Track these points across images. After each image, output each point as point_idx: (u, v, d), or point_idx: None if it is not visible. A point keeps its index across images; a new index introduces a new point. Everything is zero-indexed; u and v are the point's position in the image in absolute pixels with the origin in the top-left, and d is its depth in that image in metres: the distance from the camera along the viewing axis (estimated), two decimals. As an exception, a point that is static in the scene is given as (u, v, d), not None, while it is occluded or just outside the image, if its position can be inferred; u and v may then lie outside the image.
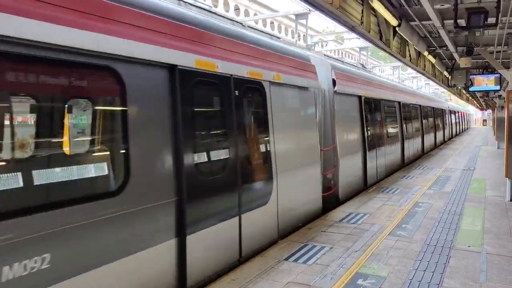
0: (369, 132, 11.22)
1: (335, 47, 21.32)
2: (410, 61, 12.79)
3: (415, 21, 9.48)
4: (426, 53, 12.78)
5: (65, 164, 4.02)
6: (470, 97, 36.63)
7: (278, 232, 6.41)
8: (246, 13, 17.71)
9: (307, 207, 7.49)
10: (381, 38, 9.32)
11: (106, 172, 4.10)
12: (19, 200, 3.47)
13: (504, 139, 9.38)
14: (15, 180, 3.52)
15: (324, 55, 11.20)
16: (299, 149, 7.31)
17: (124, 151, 3.95)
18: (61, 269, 3.30)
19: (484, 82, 14.82)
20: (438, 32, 9.82)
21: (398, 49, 11.12)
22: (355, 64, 12.97)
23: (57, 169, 3.96)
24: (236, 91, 5.47)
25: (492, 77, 14.66)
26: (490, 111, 51.96)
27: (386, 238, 6.42)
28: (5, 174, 3.51)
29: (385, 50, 10.54)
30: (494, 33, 10.29)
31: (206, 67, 4.92)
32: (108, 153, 4.20)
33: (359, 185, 10.52)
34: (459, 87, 22.54)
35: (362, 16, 7.82)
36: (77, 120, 4.57)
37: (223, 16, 6.44)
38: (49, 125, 4.14)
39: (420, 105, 19.17)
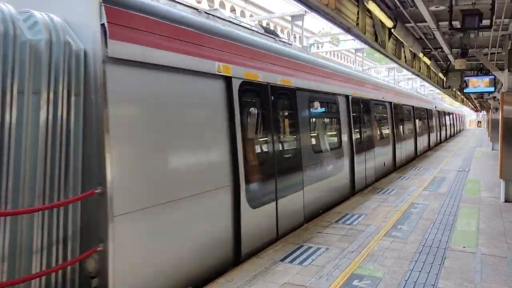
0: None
1: (330, 49, 21.37)
2: (406, 62, 12.83)
3: (410, 22, 9.52)
4: (421, 55, 12.82)
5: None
6: (465, 99, 36.82)
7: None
8: (242, 15, 17.71)
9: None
10: (376, 40, 9.35)
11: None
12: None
13: (498, 140, 9.43)
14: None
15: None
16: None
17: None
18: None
19: (479, 84, 14.86)
20: (433, 34, 9.86)
21: (393, 50, 11.15)
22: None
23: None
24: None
25: (486, 79, 14.71)
26: (484, 112, 52.27)
27: (381, 239, 6.44)
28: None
29: (380, 52, 10.57)
30: (488, 35, 10.34)
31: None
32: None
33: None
34: (454, 89, 22.64)
35: (358, 17, 7.83)
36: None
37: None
38: None
39: (391, 102, 14.50)
